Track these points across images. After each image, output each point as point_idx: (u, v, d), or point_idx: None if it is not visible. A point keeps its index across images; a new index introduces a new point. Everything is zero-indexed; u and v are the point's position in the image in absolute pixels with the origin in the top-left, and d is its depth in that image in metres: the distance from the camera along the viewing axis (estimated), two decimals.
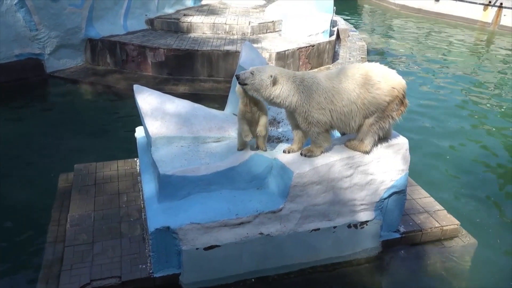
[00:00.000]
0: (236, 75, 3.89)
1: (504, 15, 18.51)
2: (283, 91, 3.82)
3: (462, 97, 11.25)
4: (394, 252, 4.87)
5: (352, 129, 4.06)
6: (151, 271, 4.19)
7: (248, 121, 4.07)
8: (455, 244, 5.07)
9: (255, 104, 4.00)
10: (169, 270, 4.18)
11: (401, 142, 4.43)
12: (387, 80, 3.91)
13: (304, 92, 3.86)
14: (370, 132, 4.06)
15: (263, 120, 4.07)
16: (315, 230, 4.36)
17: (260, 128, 4.07)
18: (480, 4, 19.22)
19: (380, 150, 4.31)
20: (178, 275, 4.18)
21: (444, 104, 10.66)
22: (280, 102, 3.87)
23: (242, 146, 4.32)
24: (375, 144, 4.21)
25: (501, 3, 18.50)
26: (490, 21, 18.96)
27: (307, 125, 3.98)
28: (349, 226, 4.50)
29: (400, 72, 4.18)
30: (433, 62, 14.09)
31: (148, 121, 4.60)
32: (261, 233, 4.16)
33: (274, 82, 3.79)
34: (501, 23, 18.61)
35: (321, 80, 3.93)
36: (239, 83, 3.84)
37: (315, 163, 4.10)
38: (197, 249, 4.02)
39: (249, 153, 4.30)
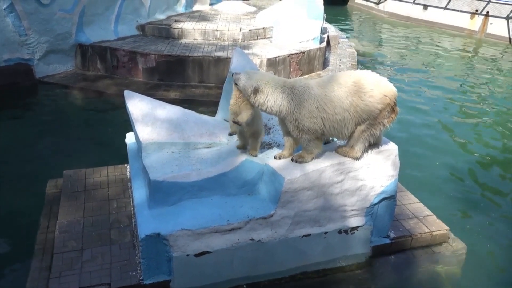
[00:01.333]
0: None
1: (491, 24, 18.81)
2: (268, 100, 3.85)
3: (450, 103, 11.38)
4: (384, 258, 4.88)
5: (344, 136, 4.09)
6: (141, 278, 4.14)
7: (234, 113, 4.05)
8: (444, 249, 5.09)
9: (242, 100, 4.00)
10: (160, 277, 4.14)
11: (391, 148, 4.46)
12: (379, 88, 3.94)
13: (294, 100, 3.86)
14: (361, 138, 4.08)
15: (244, 113, 3.97)
16: (306, 236, 4.36)
17: (240, 117, 3.96)
18: (467, 12, 19.51)
19: (370, 156, 4.33)
20: (168, 282, 4.14)
21: (433, 110, 10.77)
22: (266, 109, 3.92)
23: (234, 131, 4.20)
24: (365, 150, 4.24)
25: (487, 12, 18.80)
26: (477, 29, 19.24)
27: (298, 132, 3.99)
28: (339, 231, 4.51)
29: (390, 79, 4.23)
30: (422, 69, 14.25)
31: (138, 127, 4.57)
32: (252, 239, 4.15)
33: (255, 92, 3.82)
34: (487, 31, 18.90)
35: (313, 88, 3.93)
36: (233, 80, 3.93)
37: (306, 169, 4.11)
38: (187, 255, 4.00)
39: (240, 159, 4.29)
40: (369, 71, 4.08)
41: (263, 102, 3.87)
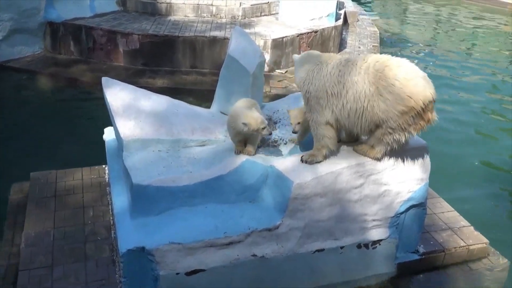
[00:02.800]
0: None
1: None
2: (298, 72, 4.26)
3: (491, 94, 11.36)
4: (412, 277, 4.87)
5: (363, 131, 4.04)
6: None
7: None
8: (483, 266, 5.09)
9: None
10: None
11: (420, 146, 4.44)
12: (405, 85, 3.73)
13: (310, 74, 4.13)
14: (382, 141, 4.02)
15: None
16: (318, 251, 4.35)
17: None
18: None
19: (395, 155, 4.31)
20: None
21: (470, 102, 10.75)
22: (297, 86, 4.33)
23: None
24: (387, 152, 4.18)
25: None
26: None
27: (309, 111, 4.16)
28: (359, 246, 4.50)
29: (417, 64, 4.18)
30: (455, 52, 14.23)
31: (119, 121, 4.57)
32: (254, 255, 4.14)
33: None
34: None
35: (329, 64, 4.06)
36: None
37: (319, 171, 4.10)
38: (177, 274, 3.99)
39: (240, 160, 4.28)
40: (405, 60, 3.89)
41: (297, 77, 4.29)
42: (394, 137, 3.93)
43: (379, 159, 4.23)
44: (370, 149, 4.18)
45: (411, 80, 3.74)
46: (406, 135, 3.92)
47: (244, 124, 4.09)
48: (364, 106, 3.87)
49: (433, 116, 3.90)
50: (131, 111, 4.65)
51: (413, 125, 3.86)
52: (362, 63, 3.91)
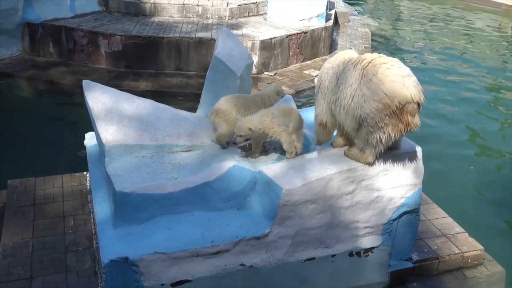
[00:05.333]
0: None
1: None
2: None
3: (486, 96, 11.48)
4: (405, 285, 4.89)
5: (350, 129, 4.11)
6: None
7: None
8: (478, 273, 5.13)
9: None
10: None
11: (413, 150, 4.47)
12: (382, 81, 3.74)
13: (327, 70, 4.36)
14: (368, 142, 4.04)
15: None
16: (309, 259, 4.36)
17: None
18: None
19: (388, 160, 4.34)
20: None
21: (464, 104, 10.85)
22: None
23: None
24: (378, 155, 4.18)
25: None
26: None
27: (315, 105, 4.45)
28: (350, 254, 4.52)
29: (410, 65, 4.22)
30: (449, 53, 14.37)
31: (101, 126, 4.55)
32: (242, 265, 4.14)
33: None
34: None
35: (333, 61, 4.29)
36: None
37: (309, 177, 4.11)
38: (162, 285, 3.98)
39: (227, 165, 4.29)
40: (397, 61, 3.90)
41: None
42: (375, 137, 3.92)
43: (370, 164, 4.24)
44: (361, 153, 4.20)
45: (390, 77, 3.75)
46: (385, 136, 3.89)
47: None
48: (349, 102, 3.97)
49: (415, 120, 3.84)
50: (113, 115, 4.64)
51: (390, 126, 3.83)
52: (358, 60, 4.01)
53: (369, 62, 3.89)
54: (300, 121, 4.43)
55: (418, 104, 3.81)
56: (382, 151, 4.11)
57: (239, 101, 4.65)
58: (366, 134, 3.98)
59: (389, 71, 3.77)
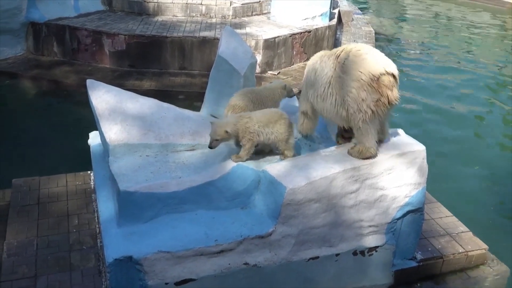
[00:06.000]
0: None
1: None
2: None
3: (491, 94, 11.44)
4: (409, 285, 4.89)
5: (343, 121, 4.25)
6: None
7: None
8: (482, 273, 5.12)
9: None
10: None
11: (417, 149, 4.46)
12: (354, 61, 3.97)
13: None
14: (360, 129, 4.12)
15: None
16: (313, 258, 4.36)
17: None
18: None
19: (392, 159, 4.34)
20: None
21: (469, 102, 10.83)
22: None
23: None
24: (376, 143, 4.25)
25: None
26: None
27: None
28: (354, 253, 4.51)
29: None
30: (453, 52, 14.33)
31: (104, 125, 4.56)
32: (246, 263, 4.14)
33: None
34: None
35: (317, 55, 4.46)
36: None
37: (313, 176, 4.11)
38: (166, 284, 3.98)
39: (231, 164, 4.29)
40: (370, 47, 4.15)
41: None
42: (361, 118, 4.03)
43: (374, 155, 4.24)
44: (362, 147, 4.21)
45: (361, 56, 4.00)
46: (369, 114, 4.01)
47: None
48: (326, 90, 4.19)
49: (394, 93, 3.99)
50: (117, 114, 4.65)
51: (372, 102, 3.97)
52: (333, 52, 4.25)
53: (342, 51, 4.15)
54: (288, 130, 4.30)
55: (394, 77, 3.98)
56: (375, 135, 4.19)
57: (253, 95, 4.66)
58: (355, 121, 4.09)
59: (359, 51, 4.04)
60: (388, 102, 3.99)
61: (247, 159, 4.28)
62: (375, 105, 3.98)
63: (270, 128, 4.22)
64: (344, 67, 4.03)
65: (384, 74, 3.92)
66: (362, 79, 3.93)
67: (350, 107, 4.04)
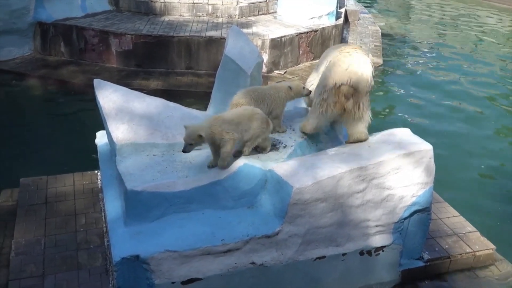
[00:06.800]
0: None
1: None
2: None
3: (498, 93, 11.38)
4: (416, 284, 4.87)
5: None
6: None
7: None
8: (490, 273, 5.10)
9: None
10: None
11: (424, 149, 4.45)
12: (333, 65, 4.43)
13: None
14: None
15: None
16: (319, 258, 4.35)
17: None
18: None
19: (399, 159, 4.33)
20: None
21: (477, 102, 10.77)
22: None
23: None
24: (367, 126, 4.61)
25: None
26: None
27: None
28: (361, 253, 4.50)
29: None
30: (461, 52, 14.26)
31: (111, 124, 4.57)
32: (253, 263, 4.14)
33: None
34: None
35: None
36: None
37: (319, 176, 4.10)
38: (173, 283, 3.99)
39: (237, 164, 4.29)
40: (359, 51, 4.48)
41: None
42: (321, 111, 4.55)
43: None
44: (360, 134, 4.57)
45: (339, 61, 4.41)
46: (331, 109, 4.48)
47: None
48: (320, 78, 4.66)
49: (348, 103, 4.41)
50: (124, 114, 4.65)
51: (332, 103, 4.47)
52: (341, 49, 4.60)
53: (342, 51, 4.52)
54: (262, 125, 4.28)
55: (356, 90, 4.36)
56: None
57: (255, 94, 4.64)
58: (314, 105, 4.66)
59: (344, 58, 4.40)
60: (343, 108, 4.45)
61: (229, 164, 4.25)
62: (334, 106, 4.47)
63: (244, 125, 4.20)
64: (328, 65, 4.53)
65: (344, 85, 4.34)
66: (328, 82, 4.42)
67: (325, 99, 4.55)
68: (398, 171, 4.35)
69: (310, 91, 4.89)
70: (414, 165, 4.41)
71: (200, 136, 4.01)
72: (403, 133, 4.70)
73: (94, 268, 4.57)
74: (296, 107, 5.36)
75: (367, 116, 4.56)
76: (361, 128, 4.58)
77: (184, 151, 4.11)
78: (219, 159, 4.20)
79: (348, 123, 4.64)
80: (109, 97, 4.78)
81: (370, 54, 11.76)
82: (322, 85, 4.52)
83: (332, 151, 4.52)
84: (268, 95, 4.70)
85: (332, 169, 4.18)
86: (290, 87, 4.83)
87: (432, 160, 4.50)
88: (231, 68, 5.10)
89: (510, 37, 16.24)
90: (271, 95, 4.71)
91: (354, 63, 4.36)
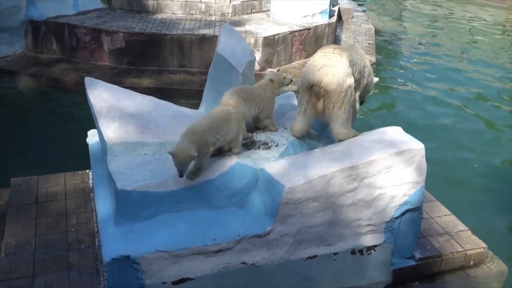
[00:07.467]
0: None
1: None
2: None
3: (491, 92, 11.42)
4: (407, 284, 4.89)
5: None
6: None
7: None
8: (481, 272, 5.11)
9: None
10: None
11: (416, 148, 4.45)
12: (309, 64, 4.55)
13: None
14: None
15: None
16: (311, 257, 4.36)
17: None
18: None
19: (390, 158, 4.33)
20: None
21: (469, 100, 10.81)
22: None
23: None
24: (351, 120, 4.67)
25: None
26: None
27: None
28: (353, 252, 4.51)
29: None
30: (453, 50, 14.31)
31: (102, 123, 4.55)
32: (244, 263, 4.14)
33: None
34: None
35: None
36: None
37: (311, 175, 4.10)
38: (164, 283, 3.98)
39: (229, 163, 4.29)
40: (336, 51, 4.49)
41: None
42: (300, 110, 4.67)
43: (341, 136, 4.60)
44: (342, 130, 4.56)
45: (314, 62, 4.50)
46: (307, 106, 4.59)
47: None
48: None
49: (318, 103, 4.52)
50: (115, 112, 4.63)
51: (305, 101, 4.59)
52: (323, 49, 4.67)
53: (320, 50, 4.61)
54: (238, 126, 4.31)
55: (325, 91, 4.41)
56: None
57: (244, 94, 4.63)
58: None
59: (319, 58, 4.49)
60: (315, 108, 4.56)
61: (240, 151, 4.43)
62: (307, 103, 4.58)
63: (224, 130, 4.18)
64: (306, 65, 4.67)
65: (315, 85, 4.43)
66: (302, 81, 4.56)
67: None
68: (390, 170, 4.36)
69: (291, 80, 5.06)
70: (405, 164, 4.41)
71: (191, 156, 3.95)
72: (394, 132, 4.69)
73: (85, 268, 4.54)
74: (288, 104, 5.37)
75: (345, 116, 4.51)
76: (337, 129, 4.57)
77: (181, 176, 4.02)
78: (190, 172, 4.15)
79: (328, 123, 4.68)
80: (100, 95, 4.75)
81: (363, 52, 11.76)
82: (300, 84, 4.65)
83: (323, 149, 4.53)
84: (256, 95, 4.69)
85: (323, 168, 4.18)
86: (271, 80, 4.83)
87: (424, 159, 4.50)
88: (223, 66, 5.09)
89: (502, 34, 16.31)
90: (259, 95, 4.71)
91: (328, 64, 4.42)
